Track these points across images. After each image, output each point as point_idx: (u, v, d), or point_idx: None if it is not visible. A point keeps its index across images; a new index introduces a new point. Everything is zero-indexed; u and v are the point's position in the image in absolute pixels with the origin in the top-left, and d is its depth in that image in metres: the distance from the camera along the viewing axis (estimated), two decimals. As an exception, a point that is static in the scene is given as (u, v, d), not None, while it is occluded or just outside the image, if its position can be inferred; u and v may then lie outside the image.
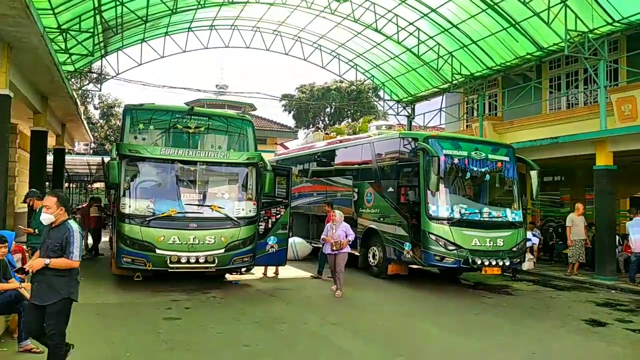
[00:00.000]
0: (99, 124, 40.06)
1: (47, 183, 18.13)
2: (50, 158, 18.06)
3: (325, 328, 7.54)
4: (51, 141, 17.77)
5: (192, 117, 10.38)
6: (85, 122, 17.77)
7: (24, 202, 7.69)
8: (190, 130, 10.34)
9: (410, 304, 9.74)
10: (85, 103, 36.37)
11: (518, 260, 11.29)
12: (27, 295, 5.94)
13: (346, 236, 10.17)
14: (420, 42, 17.87)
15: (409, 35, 17.89)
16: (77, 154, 35.01)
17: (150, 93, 60.96)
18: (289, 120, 47.39)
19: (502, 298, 10.60)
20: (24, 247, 8.09)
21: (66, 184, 31.15)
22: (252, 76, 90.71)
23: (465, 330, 7.74)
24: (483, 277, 12.41)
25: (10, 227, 16.26)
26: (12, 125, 16.01)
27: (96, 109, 41.10)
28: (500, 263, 10.67)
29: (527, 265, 13.33)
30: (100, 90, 19.76)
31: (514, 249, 11.03)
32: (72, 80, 18.10)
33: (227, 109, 30.62)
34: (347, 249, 10.22)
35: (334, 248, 10.08)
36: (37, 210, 7.84)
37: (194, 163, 10.02)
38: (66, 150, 25.21)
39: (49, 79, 10.46)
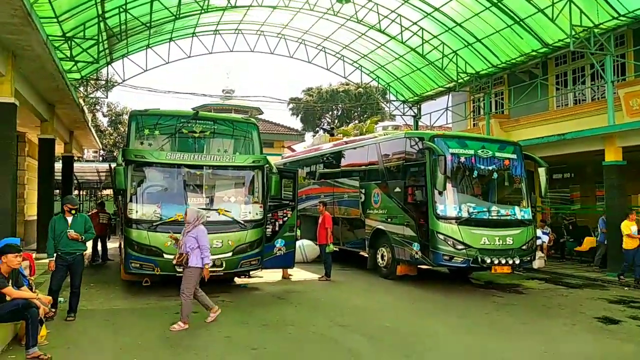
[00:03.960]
0: (107, 131, 40.32)
1: (57, 190, 18.32)
2: (59, 166, 18.22)
3: (334, 330, 7.49)
4: (60, 149, 17.92)
5: (198, 121, 10.37)
6: (92, 129, 17.87)
7: (75, 210, 7.77)
8: (196, 135, 10.33)
9: (419, 305, 9.66)
10: (94, 111, 36.63)
11: (528, 258, 11.17)
12: (39, 303, 5.97)
13: (197, 246, 7.30)
14: (424, 41, 17.81)
15: (413, 35, 17.84)
16: (87, 161, 35.28)
17: (157, 99, 61.36)
18: (296, 123, 47.51)
19: (512, 297, 10.50)
20: (33, 255, 8.11)
21: (76, 191, 31.42)
22: (258, 80, 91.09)
23: (474, 330, 7.66)
24: (494, 276, 12.32)
25: (20, 235, 16.48)
26: (21, 134, 16.19)
27: (105, 116, 41.40)
28: (510, 262, 10.57)
29: (537, 264, 13.24)
30: (107, 98, 19.84)
31: (524, 247, 10.93)
32: (80, 88, 18.24)
33: (234, 113, 30.72)
34: (196, 263, 7.30)
35: (176, 262, 7.48)
36: (76, 216, 7.79)
37: (200, 167, 10.03)
38: (75, 158, 25.43)
39: (54, 86, 10.52)
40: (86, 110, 17.78)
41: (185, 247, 7.35)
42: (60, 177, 18.19)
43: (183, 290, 7.33)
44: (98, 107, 37.32)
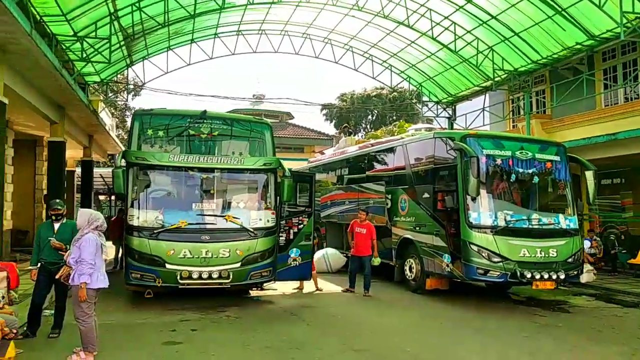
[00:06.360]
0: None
1: (78, 195, 18.04)
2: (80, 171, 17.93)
3: (345, 355, 6.50)
4: (79, 153, 17.63)
5: (205, 121, 9.63)
6: (112, 133, 17.45)
7: (58, 215, 7.09)
8: (203, 136, 9.61)
9: (448, 325, 8.52)
10: (124, 116, 36.74)
11: (575, 272, 9.91)
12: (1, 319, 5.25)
13: (80, 258, 5.77)
14: (457, 37, 16.65)
15: (444, 30, 16.71)
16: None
17: (179, 103, 62.09)
18: (330, 128, 46.95)
19: (557, 317, 9.24)
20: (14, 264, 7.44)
21: (102, 196, 31.47)
22: (288, 86, 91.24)
23: (510, 358, 6.53)
24: (536, 291, 10.96)
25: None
26: (38, 138, 15.93)
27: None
28: (554, 276, 9.36)
29: (586, 278, 11.77)
30: (126, 101, 19.44)
31: (570, 259, 9.68)
32: (110, 94, 17.84)
33: (264, 118, 30.16)
34: (77, 281, 5.78)
35: (58, 276, 6.28)
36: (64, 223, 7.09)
37: (206, 170, 9.26)
38: (101, 163, 25.25)
39: (57, 86, 9.97)
40: (106, 114, 17.41)
41: (70, 260, 5.92)
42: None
43: (75, 316, 5.88)
44: (128, 114, 37.41)
